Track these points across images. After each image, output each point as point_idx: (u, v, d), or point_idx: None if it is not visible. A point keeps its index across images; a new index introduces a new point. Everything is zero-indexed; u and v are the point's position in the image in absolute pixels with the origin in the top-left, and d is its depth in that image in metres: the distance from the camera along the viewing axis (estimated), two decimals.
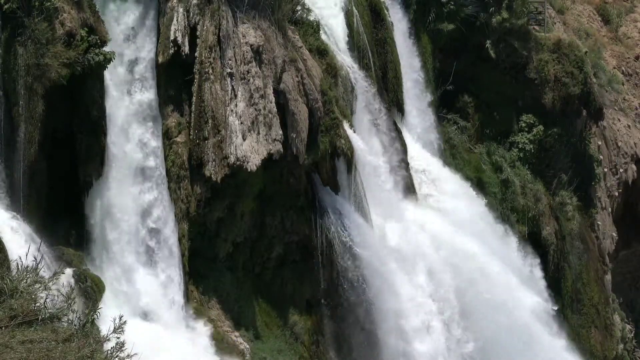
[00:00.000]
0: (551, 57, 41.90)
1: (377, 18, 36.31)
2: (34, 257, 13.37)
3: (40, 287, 12.32)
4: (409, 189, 35.61)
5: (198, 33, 28.14)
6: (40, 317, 12.10)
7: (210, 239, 29.31)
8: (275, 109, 28.82)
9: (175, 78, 28.24)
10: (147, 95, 27.60)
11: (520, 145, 41.15)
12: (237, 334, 29.01)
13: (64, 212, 26.06)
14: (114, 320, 11.80)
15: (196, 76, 28.02)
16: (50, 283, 12.43)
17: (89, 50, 25.23)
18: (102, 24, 26.21)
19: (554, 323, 38.55)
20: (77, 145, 25.97)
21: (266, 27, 29.41)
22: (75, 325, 12.03)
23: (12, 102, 24.74)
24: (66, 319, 12.24)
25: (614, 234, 46.12)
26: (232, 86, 28.39)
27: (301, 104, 29.57)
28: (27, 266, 12.68)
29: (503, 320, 35.31)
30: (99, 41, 25.48)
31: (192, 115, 27.99)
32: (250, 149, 28.17)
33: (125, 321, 11.71)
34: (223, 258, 29.57)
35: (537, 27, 43.21)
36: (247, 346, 28.93)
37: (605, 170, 45.58)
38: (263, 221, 30.41)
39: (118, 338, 11.69)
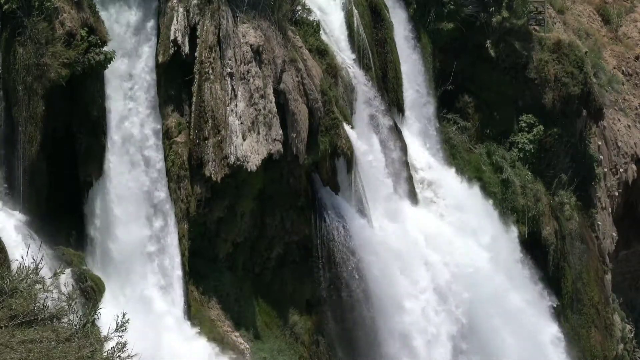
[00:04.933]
0: (551, 57, 41.88)
1: (377, 18, 36.28)
2: (33, 259, 13.34)
3: (40, 287, 12.30)
4: (409, 189, 35.60)
5: (198, 33, 28.13)
6: (40, 317, 12.07)
7: (210, 239, 29.29)
8: (275, 109, 28.81)
9: (175, 78, 28.23)
10: None
11: (520, 145, 41.12)
12: (237, 334, 28.99)
13: (64, 212, 26.04)
14: (117, 318, 11.75)
15: (196, 76, 28.00)
16: (52, 286, 12.40)
17: (89, 50, 25.21)
18: (102, 24, 26.19)
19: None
20: (77, 145, 25.95)
21: (266, 27, 29.40)
22: (75, 326, 12.01)
23: (12, 102, 24.73)
24: (66, 319, 12.21)
25: (614, 234, 46.11)
26: (232, 86, 28.38)
27: (301, 104, 29.56)
28: (28, 267, 12.65)
29: (503, 314, 35.48)
30: (99, 41, 25.45)
31: (192, 115, 27.98)
32: (250, 149, 28.15)
33: (128, 319, 11.67)
34: (223, 258, 29.55)
35: (537, 27, 43.18)
36: (247, 346, 28.91)
37: (605, 170, 45.56)
38: (263, 221, 30.39)
39: (120, 337, 11.64)
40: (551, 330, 38.28)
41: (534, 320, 37.20)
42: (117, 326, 11.43)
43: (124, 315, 11.67)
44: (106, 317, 13.66)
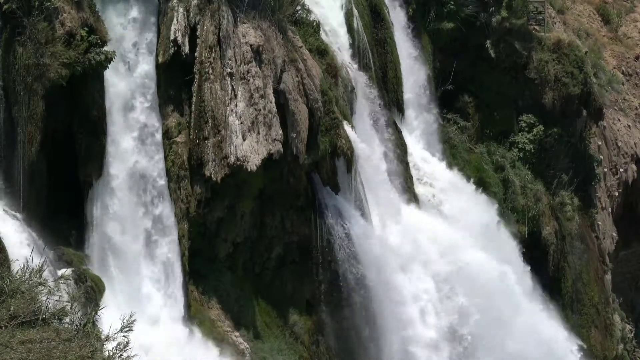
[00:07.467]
0: (551, 57, 41.90)
1: (377, 18, 36.30)
2: (28, 259, 13.30)
3: (43, 289, 12.28)
4: (409, 189, 35.60)
5: (198, 33, 28.11)
6: (40, 318, 12.06)
7: (210, 239, 29.28)
8: (275, 109, 28.80)
9: (175, 78, 28.22)
10: None
11: (520, 145, 41.14)
12: (237, 334, 28.99)
13: (64, 212, 26.03)
14: (122, 318, 11.71)
15: (196, 76, 27.99)
16: (55, 289, 12.38)
17: (89, 50, 25.19)
18: (102, 23, 26.18)
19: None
20: (77, 145, 25.94)
21: (266, 27, 29.39)
22: (76, 326, 11.99)
23: (12, 102, 24.71)
24: (67, 320, 12.20)
25: (614, 234, 46.14)
26: (232, 86, 28.37)
27: (301, 104, 29.55)
28: (32, 269, 12.63)
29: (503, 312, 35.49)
30: (99, 41, 25.43)
31: (192, 115, 27.96)
32: (250, 148, 28.15)
33: (134, 320, 11.62)
34: (223, 258, 29.54)
35: (537, 27, 43.19)
36: (247, 346, 28.91)
37: (605, 170, 45.59)
38: (263, 221, 30.39)
39: (125, 337, 11.60)
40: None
41: (538, 319, 37.20)
42: (122, 326, 11.39)
43: (130, 315, 11.62)
44: (106, 316, 13.65)
